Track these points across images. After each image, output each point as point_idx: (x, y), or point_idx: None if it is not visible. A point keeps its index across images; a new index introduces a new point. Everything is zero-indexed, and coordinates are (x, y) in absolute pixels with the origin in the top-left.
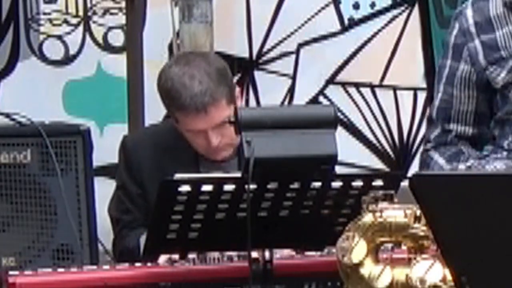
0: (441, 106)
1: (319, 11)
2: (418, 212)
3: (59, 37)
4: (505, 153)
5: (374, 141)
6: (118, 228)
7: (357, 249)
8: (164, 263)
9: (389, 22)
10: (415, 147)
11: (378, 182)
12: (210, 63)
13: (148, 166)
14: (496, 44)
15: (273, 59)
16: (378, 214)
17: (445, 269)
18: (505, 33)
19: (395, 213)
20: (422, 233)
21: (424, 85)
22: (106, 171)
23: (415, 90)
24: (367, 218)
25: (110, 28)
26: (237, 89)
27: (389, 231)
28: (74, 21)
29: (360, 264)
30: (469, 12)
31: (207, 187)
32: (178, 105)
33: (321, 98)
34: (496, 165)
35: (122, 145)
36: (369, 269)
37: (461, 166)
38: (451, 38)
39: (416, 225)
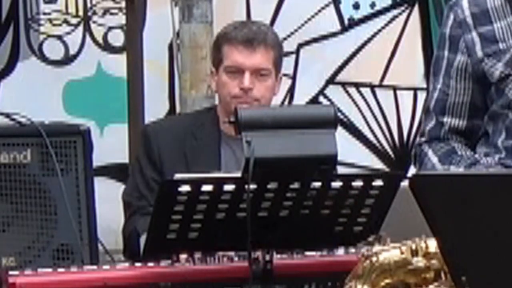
0: (439, 97)
1: (319, 11)
2: (414, 246)
3: (59, 37)
4: (497, 157)
5: (374, 141)
6: (129, 212)
7: None
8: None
9: (389, 22)
10: None
11: (378, 182)
12: (276, 33)
13: (169, 155)
14: (494, 36)
15: None
16: (374, 258)
17: None
18: (504, 25)
19: (391, 252)
20: (422, 266)
21: (424, 85)
22: (106, 171)
23: (415, 90)
24: (364, 264)
25: (110, 28)
26: (281, 75)
27: (390, 271)
28: (74, 21)
29: None
30: (464, 3)
31: (207, 187)
32: (230, 37)
33: (321, 98)
34: None
35: (143, 133)
36: None
37: (453, 169)
38: (446, 29)
39: (415, 259)
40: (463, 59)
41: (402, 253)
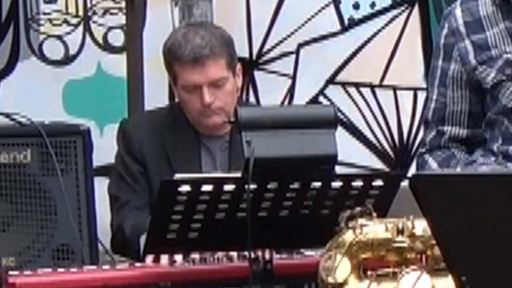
0: (436, 107)
1: (319, 11)
2: (401, 225)
3: (59, 37)
4: (493, 158)
5: (374, 141)
6: (117, 206)
7: (340, 268)
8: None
9: (389, 22)
10: (415, 147)
11: (378, 182)
12: (217, 28)
13: (149, 144)
14: (487, 44)
15: (273, 59)
16: (358, 230)
17: (433, 280)
18: (496, 32)
19: (375, 228)
20: (406, 246)
21: (424, 85)
22: (106, 171)
23: (415, 90)
24: (348, 235)
25: (110, 28)
26: (239, 66)
27: (371, 246)
28: (74, 21)
29: (345, 282)
30: (458, 12)
31: (207, 187)
32: (177, 56)
33: (321, 98)
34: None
35: (121, 128)
36: (354, 286)
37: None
38: (441, 38)
39: (399, 238)
40: (458, 67)
41: (387, 230)
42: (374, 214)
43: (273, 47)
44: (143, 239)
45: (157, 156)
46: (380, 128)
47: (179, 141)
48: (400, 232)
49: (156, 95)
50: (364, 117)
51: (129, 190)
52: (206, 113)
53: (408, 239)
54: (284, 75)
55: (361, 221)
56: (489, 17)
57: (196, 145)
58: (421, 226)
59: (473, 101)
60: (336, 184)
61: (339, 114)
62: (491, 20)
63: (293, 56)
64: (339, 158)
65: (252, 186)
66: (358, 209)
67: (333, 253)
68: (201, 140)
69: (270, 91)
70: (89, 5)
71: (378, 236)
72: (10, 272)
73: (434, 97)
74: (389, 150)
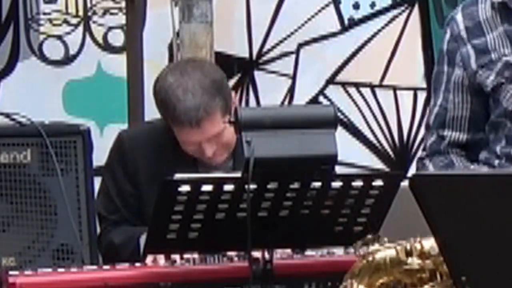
0: (439, 112)
1: (319, 11)
2: (409, 246)
3: (59, 37)
4: (496, 162)
5: (374, 141)
6: (104, 225)
7: None
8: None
9: (389, 22)
10: (415, 147)
11: (378, 182)
12: (206, 74)
13: (145, 168)
14: (487, 47)
15: (273, 59)
16: (370, 257)
17: None
18: (495, 36)
19: (386, 252)
20: (417, 266)
21: (424, 85)
22: None
23: (415, 90)
24: (360, 263)
25: (110, 28)
26: (233, 94)
27: (385, 270)
28: (74, 21)
29: None
30: (459, 18)
31: (207, 187)
32: (171, 117)
33: (321, 98)
34: None
35: (119, 143)
36: None
37: None
38: (444, 44)
39: (409, 259)
40: (460, 72)
41: (397, 253)
42: (385, 239)
43: (273, 47)
44: (143, 239)
45: (153, 176)
46: (380, 128)
47: (177, 162)
48: (409, 253)
49: None
50: (364, 117)
51: (118, 212)
52: (208, 159)
53: (418, 259)
54: (284, 75)
55: (372, 247)
56: (489, 21)
57: (196, 168)
58: (429, 244)
59: (475, 106)
60: (336, 184)
61: (339, 114)
62: (491, 24)
63: (293, 56)
64: (339, 158)
65: (252, 186)
66: (369, 236)
67: (349, 282)
68: (200, 163)
69: (270, 91)
70: (89, 5)
71: (389, 260)
72: (10, 272)
73: (438, 102)
74: (389, 150)
